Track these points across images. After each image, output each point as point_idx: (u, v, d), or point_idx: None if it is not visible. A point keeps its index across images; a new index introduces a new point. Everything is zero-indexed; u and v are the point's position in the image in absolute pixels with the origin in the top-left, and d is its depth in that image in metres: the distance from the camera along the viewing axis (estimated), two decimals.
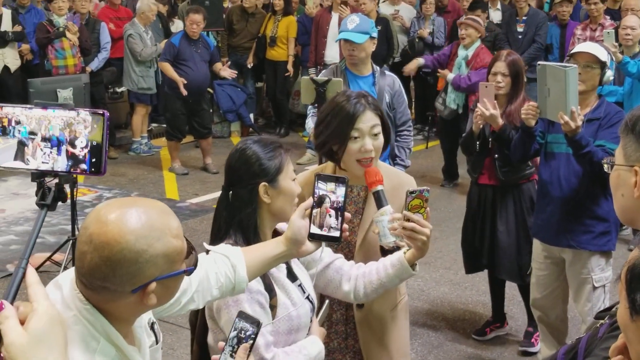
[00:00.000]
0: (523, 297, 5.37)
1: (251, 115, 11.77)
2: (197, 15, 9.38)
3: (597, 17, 9.27)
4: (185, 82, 9.29)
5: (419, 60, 9.26)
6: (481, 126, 5.09)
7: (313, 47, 10.41)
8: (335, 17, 10.09)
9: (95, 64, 10.24)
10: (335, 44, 9.66)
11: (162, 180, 9.62)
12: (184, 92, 9.26)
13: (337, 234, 2.35)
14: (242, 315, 2.10)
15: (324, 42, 10.24)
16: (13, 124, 1.64)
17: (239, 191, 2.59)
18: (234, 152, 2.63)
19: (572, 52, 4.62)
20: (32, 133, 1.65)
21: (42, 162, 1.66)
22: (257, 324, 2.07)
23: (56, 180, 1.68)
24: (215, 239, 2.61)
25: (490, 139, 5.14)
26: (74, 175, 6.30)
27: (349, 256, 3.17)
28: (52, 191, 1.61)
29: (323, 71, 5.71)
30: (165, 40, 10.17)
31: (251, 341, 2.06)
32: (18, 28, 10.12)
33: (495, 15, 11.21)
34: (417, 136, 11.42)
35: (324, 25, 10.23)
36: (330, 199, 2.37)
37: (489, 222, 5.32)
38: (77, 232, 6.37)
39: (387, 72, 5.53)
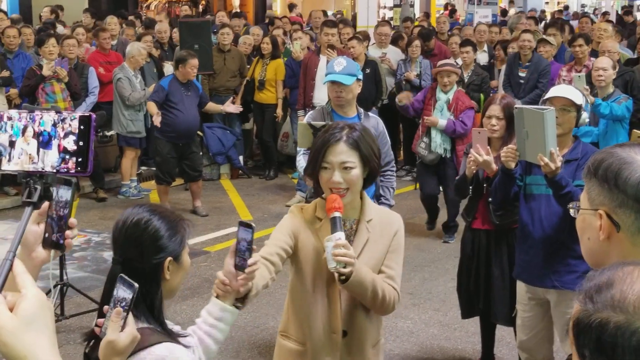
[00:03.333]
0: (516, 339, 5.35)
1: (240, 158, 11.83)
2: (195, 60, 9.47)
3: (582, 59, 9.40)
4: (160, 116, 9.27)
5: (410, 96, 9.28)
6: (474, 171, 5.13)
7: (302, 90, 10.49)
8: (323, 59, 10.19)
9: (82, 109, 10.26)
10: (324, 86, 9.68)
11: None
12: (158, 125, 9.26)
13: (62, 241, 2.00)
14: (121, 280, 2.16)
15: (312, 84, 10.32)
16: (5, 119, 1.66)
17: (139, 267, 2.37)
18: (133, 224, 2.41)
19: (548, 96, 4.69)
20: (24, 129, 1.66)
21: (31, 163, 1.66)
22: (133, 289, 2.14)
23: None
24: None
25: (484, 184, 5.17)
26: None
27: (331, 291, 3.24)
28: (38, 190, 1.62)
29: (309, 113, 5.76)
30: (155, 84, 10.24)
31: (126, 306, 2.16)
32: (6, 73, 10.17)
33: (482, 58, 11.35)
34: (405, 177, 11.50)
35: (312, 67, 10.33)
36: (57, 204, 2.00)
37: (484, 266, 5.32)
38: (65, 277, 6.36)
39: (371, 114, 5.62)
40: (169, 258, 2.41)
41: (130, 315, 2.21)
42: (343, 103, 5.36)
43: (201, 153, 10.42)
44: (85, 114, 1.64)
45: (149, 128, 10.69)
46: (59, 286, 6.32)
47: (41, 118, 1.66)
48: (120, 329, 2.18)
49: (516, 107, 4.58)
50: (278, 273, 3.20)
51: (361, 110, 5.48)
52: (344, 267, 2.99)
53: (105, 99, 10.79)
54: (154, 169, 10.51)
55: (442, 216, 8.95)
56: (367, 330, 3.33)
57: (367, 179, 3.27)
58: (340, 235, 2.99)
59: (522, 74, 10.19)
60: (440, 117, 8.37)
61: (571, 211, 2.08)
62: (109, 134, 11.18)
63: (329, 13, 18.74)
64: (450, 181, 8.66)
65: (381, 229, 3.29)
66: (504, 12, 22.63)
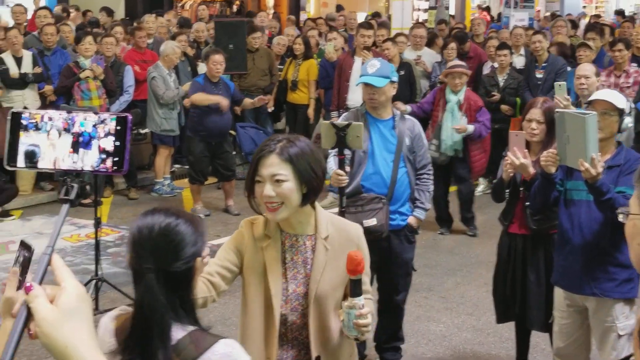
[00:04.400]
0: (552, 346, 5.29)
1: None
2: (219, 55, 9.48)
3: (622, 64, 9.31)
4: (226, 99, 9.41)
5: (407, 108, 9.33)
6: (511, 175, 5.08)
7: (336, 91, 10.47)
8: (358, 61, 10.16)
9: (116, 107, 10.34)
10: (358, 88, 9.67)
11: None
12: (225, 109, 9.41)
13: None
14: (22, 245, 2.17)
15: (346, 86, 10.30)
16: (46, 119, 1.67)
17: (174, 272, 2.30)
18: (163, 230, 2.31)
19: (590, 99, 4.63)
20: (65, 129, 1.68)
21: (71, 162, 1.68)
22: (29, 249, 2.14)
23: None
24: (163, 339, 2.25)
25: (521, 188, 5.12)
26: (98, 219, 6.36)
27: (300, 309, 3.11)
28: (75, 188, 1.64)
29: (344, 114, 5.74)
30: (189, 82, 10.30)
31: (21, 267, 2.13)
32: (38, 70, 10.28)
33: (519, 61, 11.28)
34: None
35: (346, 69, 10.31)
36: None
37: (520, 271, 5.26)
38: (100, 272, 6.40)
39: (407, 116, 5.57)
40: (198, 258, 2.40)
41: (29, 275, 2.27)
42: (376, 105, 5.33)
43: (234, 152, 10.44)
44: (122, 115, 1.67)
45: (182, 127, 10.74)
46: (94, 281, 6.36)
47: (83, 119, 1.68)
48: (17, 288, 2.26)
49: (557, 111, 4.52)
50: (221, 294, 3.09)
51: (397, 112, 5.44)
52: (362, 335, 2.96)
53: (140, 97, 10.86)
54: (187, 167, 10.55)
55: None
56: (342, 353, 3.20)
57: (307, 196, 3.03)
58: (362, 303, 2.91)
59: (539, 75, 10.17)
60: (452, 118, 8.41)
61: (620, 216, 2.03)
62: (143, 131, 11.26)
63: (363, 15, 18.70)
64: (462, 181, 8.79)
65: (340, 243, 3.12)
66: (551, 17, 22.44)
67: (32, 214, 9.70)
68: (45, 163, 1.67)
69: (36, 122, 1.68)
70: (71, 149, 1.67)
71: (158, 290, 2.22)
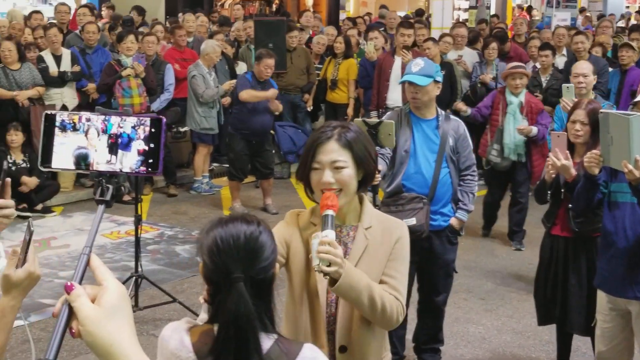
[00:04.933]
0: (594, 350, 5.22)
1: None
2: (272, 60, 9.51)
3: None
4: (276, 93, 9.52)
5: (467, 110, 9.25)
6: (553, 176, 5.02)
7: (375, 91, 10.44)
8: (398, 60, 10.13)
9: (156, 105, 10.43)
10: (398, 87, 9.69)
11: None
12: (279, 107, 9.55)
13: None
14: (28, 225, 2.28)
15: (386, 85, 10.26)
16: (84, 120, 1.68)
17: (262, 279, 2.27)
18: (251, 238, 2.27)
19: (635, 100, 4.56)
20: (103, 131, 1.69)
21: (107, 163, 1.69)
22: (30, 231, 2.27)
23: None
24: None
25: (563, 190, 5.05)
26: (139, 216, 6.41)
27: (317, 304, 3.06)
28: (110, 189, 1.65)
29: (387, 114, 5.70)
30: (231, 80, 10.35)
31: (25, 246, 2.37)
32: (77, 68, 10.39)
33: (561, 62, 11.16)
34: (480, 181, 11.34)
35: (386, 68, 10.27)
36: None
37: (562, 274, 5.20)
38: (140, 269, 6.44)
39: (452, 117, 5.52)
40: (277, 263, 2.40)
41: (31, 255, 2.42)
42: (419, 105, 5.29)
43: (273, 151, 10.47)
44: (157, 117, 1.69)
45: (222, 125, 10.78)
46: (134, 278, 6.41)
47: (123, 120, 1.69)
48: (18, 265, 2.42)
49: (601, 112, 4.46)
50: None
51: (441, 112, 5.40)
52: (328, 266, 2.78)
53: (180, 95, 10.93)
54: (226, 165, 10.60)
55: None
56: (369, 346, 3.08)
57: (363, 182, 3.04)
58: (328, 233, 2.79)
59: None
60: (514, 121, 8.25)
61: None
62: (182, 130, 11.33)
63: (402, 14, 18.64)
64: (521, 186, 8.57)
65: (381, 236, 3.07)
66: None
67: (72, 211, 9.82)
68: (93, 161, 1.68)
69: (74, 123, 1.69)
70: (109, 151, 1.68)
71: (249, 299, 2.18)
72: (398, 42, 10.29)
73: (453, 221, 5.35)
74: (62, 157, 1.69)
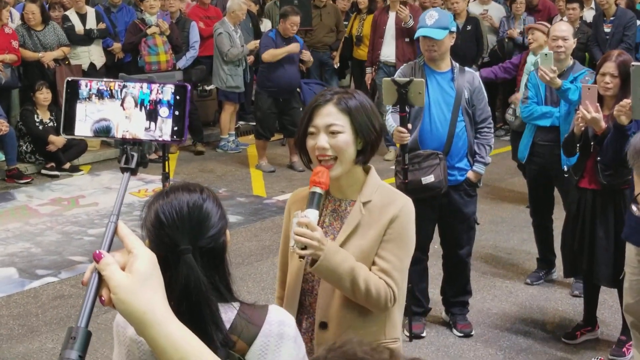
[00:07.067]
0: (621, 303, 5.20)
1: None
2: (297, 17, 9.48)
3: None
4: (297, 46, 9.48)
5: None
6: (582, 129, 4.97)
7: (370, 47, 10.42)
8: (392, 16, 10.03)
9: (182, 62, 10.43)
10: (392, 42, 9.76)
11: (249, 177, 9.74)
12: (310, 58, 9.56)
13: None
14: None
15: (380, 42, 10.21)
16: (119, 86, 1.67)
17: (212, 248, 2.16)
18: (194, 208, 2.16)
19: None
20: (124, 98, 1.67)
21: (145, 131, 1.67)
22: None
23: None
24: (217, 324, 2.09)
25: (592, 142, 5.00)
26: (167, 174, 6.43)
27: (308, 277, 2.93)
28: (135, 156, 1.64)
29: (401, 67, 5.60)
30: (255, 40, 10.31)
31: None
32: (102, 25, 10.42)
33: (589, 15, 10.99)
34: (504, 137, 11.24)
35: (381, 25, 10.20)
36: None
37: (589, 226, 5.18)
38: None
39: (467, 69, 5.47)
40: (227, 230, 2.25)
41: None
42: (436, 57, 5.24)
43: (301, 109, 10.45)
44: (182, 84, 1.66)
45: (247, 83, 10.77)
46: None
47: (161, 87, 1.67)
48: None
49: (633, 64, 4.38)
50: None
51: (456, 64, 5.34)
52: (304, 249, 2.65)
53: (205, 54, 10.92)
54: (252, 123, 10.60)
55: None
56: (358, 328, 2.83)
57: (362, 152, 2.83)
58: (308, 213, 2.65)
59: (607, 30, 9.89)
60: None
61: None
62: (208, 88, 11.33)
63: None
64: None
65: (378, 213, 2.82)
66: None
67: (100, 169, 9.90)
68: (116, 133, 1.65)
69: (111, 89, 1.67)
70: (147, 117, 1.65)
71: (200, 271, 2.08)
72: None
73: (470, 174, 5.33)
74: (84, 125, 1.65)
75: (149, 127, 1.64)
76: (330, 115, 2.78)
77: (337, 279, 2.73)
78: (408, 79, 5.05)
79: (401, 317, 3.01)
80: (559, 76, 5.71)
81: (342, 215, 2.90)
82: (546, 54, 5.76)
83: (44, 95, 9.46)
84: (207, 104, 11.59)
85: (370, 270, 2.79)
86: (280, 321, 2.20)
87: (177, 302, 2.05)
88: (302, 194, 2.97)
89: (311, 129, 2.81)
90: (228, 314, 2.15)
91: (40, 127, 9.42)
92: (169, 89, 1.65)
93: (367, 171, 2.93)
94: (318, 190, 2.68)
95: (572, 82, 5.71)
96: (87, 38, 10.35)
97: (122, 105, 1.64)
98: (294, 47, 9.47)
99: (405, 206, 2.87)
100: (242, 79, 10.67)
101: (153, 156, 10.00)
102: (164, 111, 1.66)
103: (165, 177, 6.60)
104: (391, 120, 5.26)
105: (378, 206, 2.83)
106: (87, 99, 1.65)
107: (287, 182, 9.39)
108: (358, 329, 2.84)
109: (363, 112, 2.81)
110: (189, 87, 1.68)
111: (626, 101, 4.41)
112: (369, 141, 2.81)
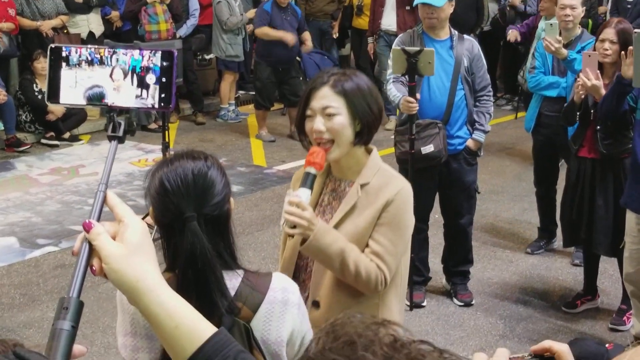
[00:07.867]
0: (621, 272, 5.21)
1: None
2: None
3: None
4: (291, 35, 9.40)
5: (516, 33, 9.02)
6: (583, 96, 4.95)
7: (371, 16, 10.37)
8: None
9: (183, 31, 10.37)
10: (393, 12, 9.68)
11: (249, 147, 9.72)
12: (292, 44, 9.41)
13: None
14: None
15: (380, 11, 10.18)
16: (109, 53, 1.64)
17: (217, 216, 2.17)
18: (199, 175, 2.17)
19: None
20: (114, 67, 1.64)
21: (136, 98, 1.64)
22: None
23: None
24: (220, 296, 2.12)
25: (592, 110, 4.98)
26: (167, 143, 6.42)
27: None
28: (122, 124, 1.62)
29: (400, 36, 5.55)
30: (255, 9, 10.23)
31: None
32: None
33: None
34: (506, 106, 11.26)
35: None
36: None
37: (588, 195, 5.17)
38: None
39: (466, 37, 5.45)
40: (231, 197, 2.26)
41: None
42: (435, 24, 5.21)
43: (300, 78, 10.42)
44: (168, 50, 1.61)
45: (247, 52, 10.71)
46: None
47: (153, 53, 1.63)
48: None
49: (635, 32, 4.36)
50: None
51: (454, 32, 5.31)
52: (293, 228, 2.65)
53: (205, 22, 10.85)
54: (252, 93, 10.56)
55: None
56: (347, 309, 2.75)
57: (360, 134, 2.81)
58: (300, 193, 2.63)
59: None
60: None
61: None
62: (208, 57, 11.28)
63: None
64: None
65: (375, 196, 2.82)
66: None
67: (100, 139, 9.86)
68: (108, 99, 1.60)
69: (100, 56, 1.64)
70: (138, 84, 1.61)
71: (205, 238, 2.09)
72: None
73: (470, 143, 5.32)
74: (75, 92, 1.60)
75: (140, 95, 1.61)
76: (325, 98, 2.78)
77: (327, 259, 2.74)
78: (418, 49, 5.01)
79: (399, 304, 2.98)
80: (567, 46, 5.64)
81: (340, 195, 2.91)
82: (551, 24, 5.64)
83: (42, 65, 9.41)
84: (206, 73, 11.54)
85: (363, 252, 2.80)
86: (284, 288, 2.24)
87: (182, 269, 2.10)
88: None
89: (308, 112, 2.82)
90: (233, 281, 2.16)
91: (39, 97, 9.38)
92: (159, 55, 1.62)
93: (369, 152, 2.92)
94: (312, 170, 2.66)
95: (579, 52, 5.58)
96: (86, 6, 10.27)
97: (110, 76, 1.59)
98: (286, 36, 9.37)
99: (401, 190, 2.85)
100: (241, 48, 10.61)
101: (153, 126, 9.99)
102: (151, 78, 1.63)
103: (166, 147, 6.61)
104: (394, 90, 5.22)
105: (375, 188, 2.83)
106: (77, 65, 1.61)
107: (288, 152, 9.38)
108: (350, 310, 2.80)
109: (360, 94, 2.80)
110: (175, 52, 1.65)
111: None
112: (367, 123, 2.81)
